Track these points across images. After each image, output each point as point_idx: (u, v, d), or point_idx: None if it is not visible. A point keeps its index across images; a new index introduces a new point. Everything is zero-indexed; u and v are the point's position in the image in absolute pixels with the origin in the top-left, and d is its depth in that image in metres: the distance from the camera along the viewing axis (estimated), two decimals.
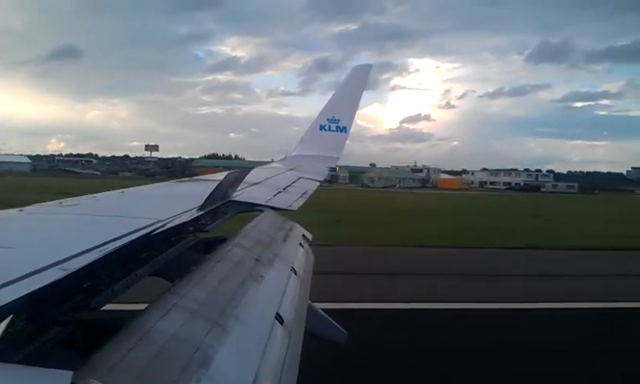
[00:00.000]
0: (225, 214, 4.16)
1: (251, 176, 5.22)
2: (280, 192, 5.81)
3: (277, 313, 2.37)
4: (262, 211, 4.51)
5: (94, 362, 1.37)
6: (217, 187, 3.67)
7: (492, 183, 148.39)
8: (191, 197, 3.90)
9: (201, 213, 3.47)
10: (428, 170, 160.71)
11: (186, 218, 3.22)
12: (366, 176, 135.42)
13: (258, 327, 2.16)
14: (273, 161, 9.86)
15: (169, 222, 2.92)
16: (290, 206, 5.28)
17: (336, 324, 4.41)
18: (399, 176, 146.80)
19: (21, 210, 3.14)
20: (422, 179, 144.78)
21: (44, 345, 1.78)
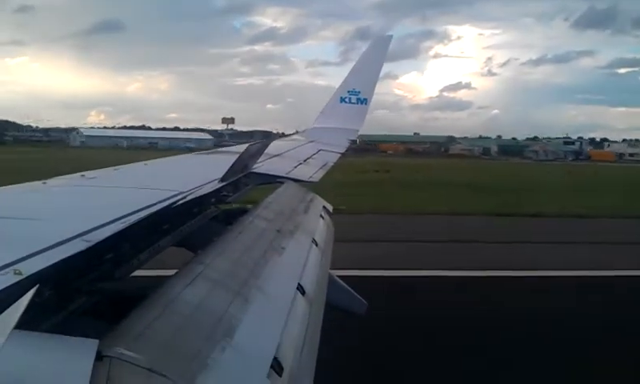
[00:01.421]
0: (246, 185, 4.17)
1: (272, 148, 5.22)
2: (300, 164, 5.80)
3: (298, 284, 2.37)
4: (282, 183, 4.51)
5: (120, 331, 1.38)
6: (238, 159, 3.67)
7: (631, 155, 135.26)
8: (213, 168, 3.91)
9: (222, 184, 3.48)
10: (581, 142, 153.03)
11: (207, 189, 3.23)
12: (529, 150, 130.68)
13: (279, 298, 2.16)
14: None
15: (190, 194, 2.94)
16: (311, 177, 5.27)
17: (357, 295, 4.43)
18: (554, 149, 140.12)
19: (44, 183, 3.18)
20: (574, 152, 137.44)
21: (70, 314, 1.81)
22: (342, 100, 9.57)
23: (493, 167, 66.01)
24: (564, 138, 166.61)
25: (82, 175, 3.52)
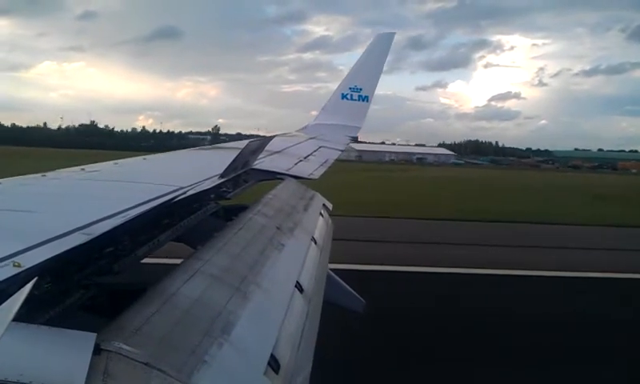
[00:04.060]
0: (246, 182, 4.17)
1: (272, 145, 5.22)
2: (301, 161, 5.80)
3: (297, 281, 2.38)
4: (282, 180, 4.51)
5: (118, 325, 1.39)
6: (238, 155, 3.67)
7: None
8: (213, 165, 3.91)
9: (222, 180, 3.48)
10: None
11: (207, 185, 3.23)
12: None
13: (278, 295, 2.17)
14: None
15: (190, 189, 2.93)
16: (311, 174, 5.27)
17: (355, 293, 4.44)
18: None
19: (44, 176, 3.18)
20: None
21: (68, 307, 1.81)
22: (344, 96, 9.54)
23: None
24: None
25: (82, 169, 3.52)
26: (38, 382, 1.04)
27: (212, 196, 3.53)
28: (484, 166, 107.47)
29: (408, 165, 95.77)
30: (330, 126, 9.08)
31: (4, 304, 1.18)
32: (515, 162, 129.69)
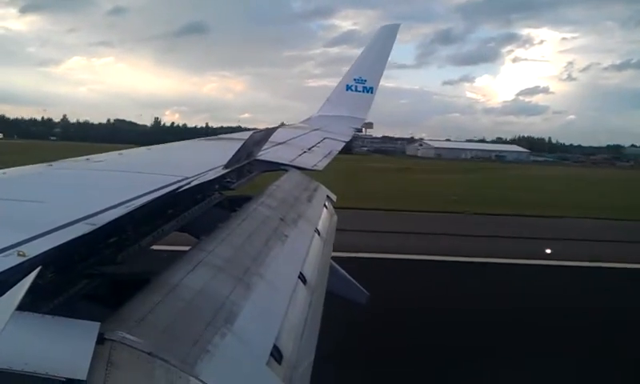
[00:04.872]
0: (250, 172, 4.17)
1: (277, 136, 5.22)
2: (305, 152, 5.79)
3: (300, 272, 2.38)
4: (287, 171, 4.51)
5: (122, 315, 1.39)
6: (242, 146, 3.66)
7: None
8: (217, 155, 3.91)
9: (226, 171, 3.48)
10: None
11: (211, 175, 3.23)
12: None
13: (281, 286, 2.17)
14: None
15: (195, 180, 2.94)
16: (315, 166, 5.26)
17: (358, 285, 4.45)
18: None
19: (50, 165, 3.18)
20: None
21: (72, 297, 1.82)
22: (349, 88, 9.52)
23: None
24: None
25: (87, 159, 3.52)
26: (42, 370, 1.04)
27: (216, 186, 3.53)
28: (561, 164, 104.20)
29: (490, 162, 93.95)
30: (334, 118, 9.06)
31: (7, 293, 1.18)
32: (585, 159, 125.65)
